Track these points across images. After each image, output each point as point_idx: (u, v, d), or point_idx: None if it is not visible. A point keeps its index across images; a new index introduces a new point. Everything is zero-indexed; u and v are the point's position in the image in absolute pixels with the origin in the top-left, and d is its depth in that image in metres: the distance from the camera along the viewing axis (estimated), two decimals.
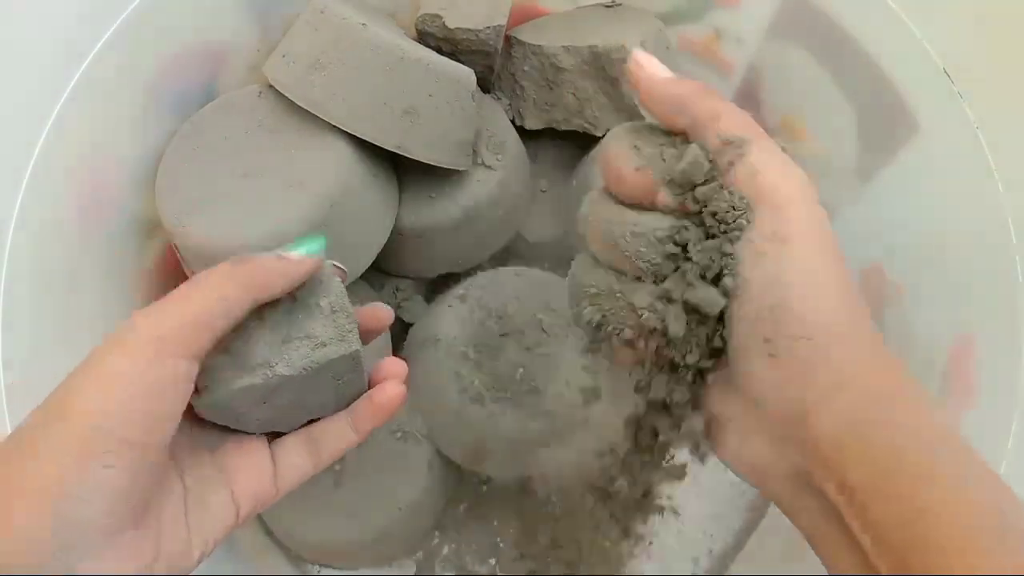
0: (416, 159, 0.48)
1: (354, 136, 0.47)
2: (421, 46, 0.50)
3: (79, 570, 0.23)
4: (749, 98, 0.60)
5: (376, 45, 0.46)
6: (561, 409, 0.51)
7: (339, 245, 0.47)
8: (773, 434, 0.26)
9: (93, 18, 0.44)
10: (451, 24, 0.52)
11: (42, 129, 0.42)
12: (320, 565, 0.55)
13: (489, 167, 0.53)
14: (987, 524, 0.21)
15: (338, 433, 0.32)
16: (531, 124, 0.57)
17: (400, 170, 0.53)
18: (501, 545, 0.55)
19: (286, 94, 0.48)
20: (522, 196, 0.57)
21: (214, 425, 0.30)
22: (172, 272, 0.54)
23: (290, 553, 0.55)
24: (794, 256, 0.24)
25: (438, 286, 0.58)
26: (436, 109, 0.48)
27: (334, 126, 0.47)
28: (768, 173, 0.25)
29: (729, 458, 0.28)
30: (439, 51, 0.53)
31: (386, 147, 0.47)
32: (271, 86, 0.49)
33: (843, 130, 0.52)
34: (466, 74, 0.49)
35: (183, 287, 0.27)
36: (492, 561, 0.55)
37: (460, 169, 0.51)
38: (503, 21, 0.52)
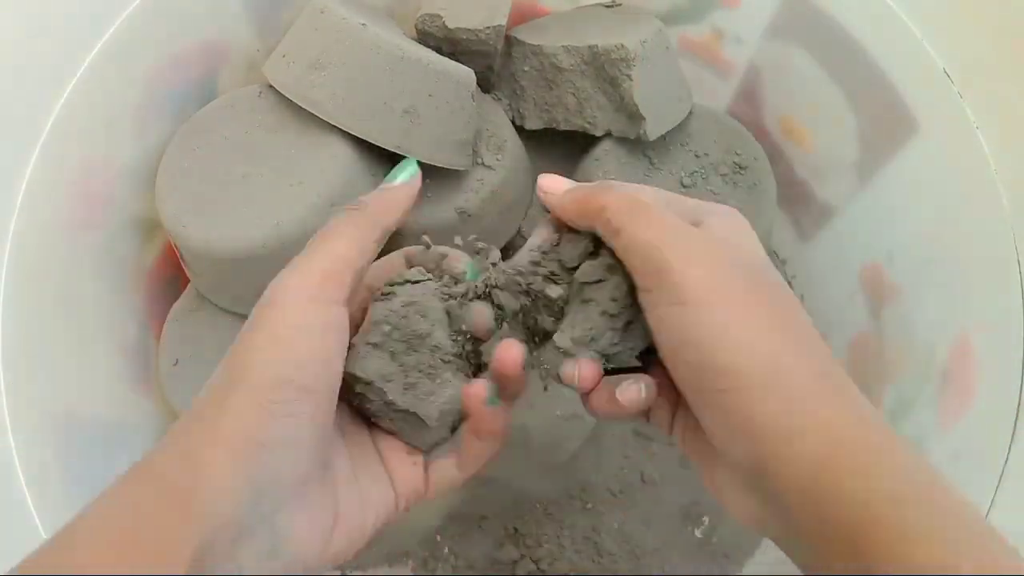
0: (416, 159, 0.48)
1: (354, 136, 0.47)
2: (421, 46, 0.50)
3: (277, 521, 0.24)
4: (749, 98, 0.60)
5: (376, 45, 0.46)
6: (558, 409, 0.51)
7: None
8: (759, 488, 0.25)
9: (93, 18, 0.44)
10: (451, 24, 0.52)
11: (42, 129, 0.42)
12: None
13: (489, 167, 0.53)
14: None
15: (479, 443, 0.32)
16: (531, 124, 0.57)
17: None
18: (499, 544, 0.55)
19: (286, 94, 0.48)
20: (522, 196, 0.57)
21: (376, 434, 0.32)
22: (172, 272, 0.54)
23: None
24: (695, 318, 0.25)
25: None
26: (436, 109, 0.48)
27: (334, 126, 0.47)
28: (657, 246, 0.26)
29: (725, 503, 0.28)
30: (439, 51, 0.53)
31: (386, 147, 0.47)
32: (271, 86, 0.49)
33: (843, 130, 0.52)
34: (466, 74, 0.49)
35: (316, 240, 0.28)
36: (492, 561, 0.55)
37: (460, 169, 0.51)
38: (503, 21, 0.53)
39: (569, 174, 0.59)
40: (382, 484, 0.30)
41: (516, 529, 0.55)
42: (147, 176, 0.49)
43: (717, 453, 0.27)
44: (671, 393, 0.30)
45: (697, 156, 0.56)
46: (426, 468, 0.32)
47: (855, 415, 0.24)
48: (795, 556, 0.25)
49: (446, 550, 0.55)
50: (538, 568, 0.54)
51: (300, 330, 0.26)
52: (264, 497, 0.24)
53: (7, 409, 0.39)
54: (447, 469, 0.32)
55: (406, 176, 0.33)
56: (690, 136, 0.56)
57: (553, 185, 0.32)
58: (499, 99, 0.58)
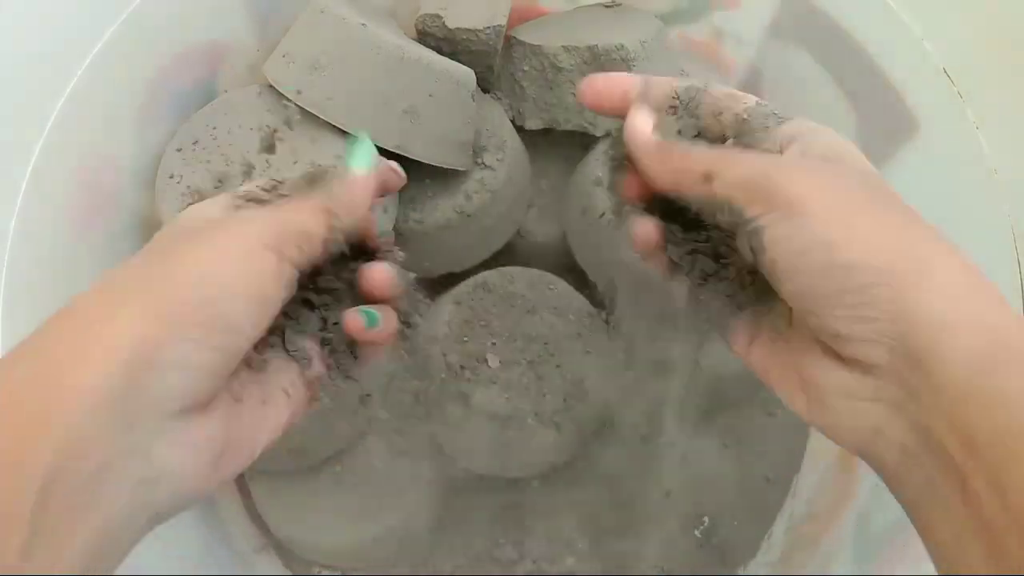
0: (416, 159, 0.48)
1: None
2: (421, 46, 0.50)
3: (153, 450, 0.21)
4: None
5: (376, 45, 0.46)
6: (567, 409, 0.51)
7: None
8: (887, 396, 0.23)
9: (93, 18, 0.44)
10: (451, 24, 0.52)
11: (42, 129, 0.42)
12: (320, 566, 0.55)
13: (489, 167, 0.53)
14: None
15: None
16: (531, 124, 0.57)
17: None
18: (500, 545, 0.55)
19: (286, 94, 0.48)
20: (522, 196, 0.57)
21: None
22: None
23: (290, 554, 0.55)
24: (819, 223, 0.23)
25: (438, 286, 0.58)
26: (436, 109, 0.48)
27: (334, 126, 0.47)
28: (762, 173, 0.25)
29: (832, 426, 0.25)
30: (439, 51, 0.53)
31: (386, 147, 0.47)
32: (271, 86, 0.49)
33: (843, 130, 0.52)
34: (466, 74, 0.49)
35: (287, 203, 0.27)
36: (491, 561, 0.55)
37: (460, 169, 0.51)
38: (503, 22, 0.53)
39: (568, 174, 0.60)
40: (277, 403, 0.27)
41: (515, 529, 0.55)
42: (148, 176, 0.49)
43: (859, 366, 0.24)
44: (749, 327, 0.28)
45: None
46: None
47: (1016, 314, 0.22)
48: (910, 481, 0.23)
49: (446, 550, 0.55)
50: (538, 568, 0.54)
51: (245, 269, 0.23)
52: (139, 423, 0.21)
53: None
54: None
55: (362, 164, 0.29)
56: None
57: (643, 132, 0.28)
58: (499, 99, 0.58)
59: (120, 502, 0.21)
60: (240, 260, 0.24)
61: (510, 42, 0.56)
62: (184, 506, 0.23)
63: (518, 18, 0.60)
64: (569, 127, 0.55)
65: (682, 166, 0.27)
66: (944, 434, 0.21)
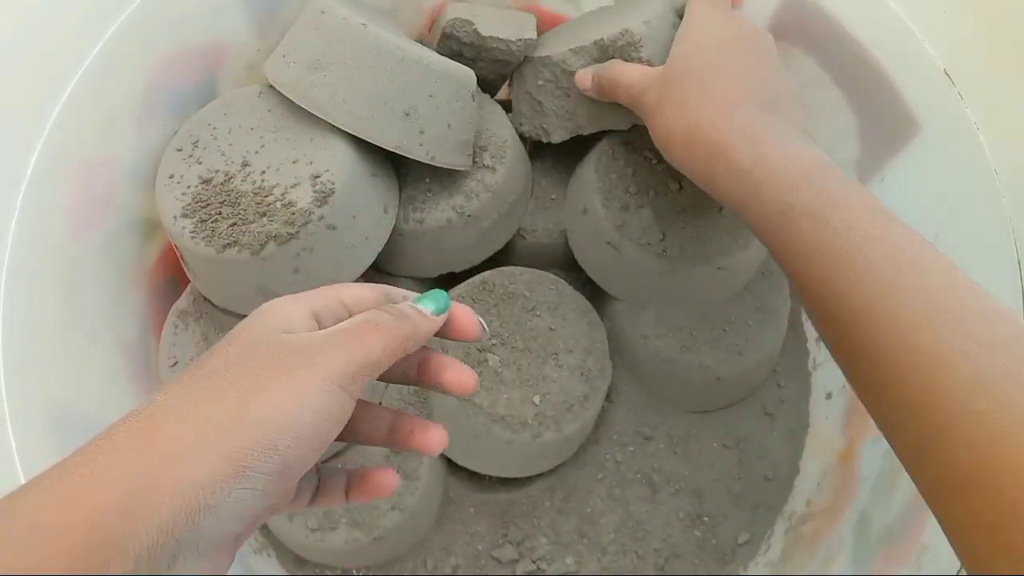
0: (416, 159, 0.48)
1: (354, 136, 0.47)
2: (421, 46, 0.50)
3: (174, 568, 0.22)
4: None
5: (376, 45, 0.46)
6: (558, 408, 0.51)
7: (339, 245, 0.47)
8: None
9: (93, 18, 0.44)
10: (485, 32, 0.53)
11: (42, 129, 0.42)
12: (319, 566, 0.55)
13: (489, 167, 0.53)
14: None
15: (334, 487, 0.32)
16: (557, 137, 0.55)
17: (400, 170, 0.53)
18: (500, 545, 0.55)
19: (286, 94, 0.48)
20: (522, 196, 0.57)
21: None
22: (172, 272, 0.54)
23: (289, 554, 0.55)
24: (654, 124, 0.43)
25: (438, 286, 0.58)
26: (436, 109, 0.48)
27: (334, 126, 0.47)
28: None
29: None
30: (460, 56, 0.54)
31: (386, 147, 0.47)
32: (271, 86, 0.49)
33: (843, 130, 0.52)
34: (466, 74, 0.49)
35: (363, 328, 0.27)
36: (491, 561, 0.55)
37: (460, 169, 0.51)
38: (533, 35, 0.54)
39: (569, 175, 0.60)
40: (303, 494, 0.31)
41: (515, 529, 0.55)
42: (147, 176, 0.49)
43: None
44: None
45: None
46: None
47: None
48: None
49: (444, 549, 0.55)
50: (538, 568, 0.54)
51: (315, 411, 0.24)
52: (181, 555, 0.22)
53: (8, 408, 0.39)
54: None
55: (440, 306, 0.31)
56: None
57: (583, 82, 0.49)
58: (522, 125, 0.57)
59: None
60: (315, 405, 0.24)
61: (520, 64, 0.55)
62: None
63: None
64: (594, 129, 0.54)
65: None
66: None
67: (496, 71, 0.55)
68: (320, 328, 0.27)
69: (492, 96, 0.58)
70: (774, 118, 0.38)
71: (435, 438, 0.31)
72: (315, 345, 0.26)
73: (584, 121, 0.53)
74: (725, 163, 0.37)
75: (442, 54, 0.55)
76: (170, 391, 0.24)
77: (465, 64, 0.55)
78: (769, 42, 0.43)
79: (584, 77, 0.49)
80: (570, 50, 0.51)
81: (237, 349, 0.26)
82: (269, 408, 0.23)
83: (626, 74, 0.45)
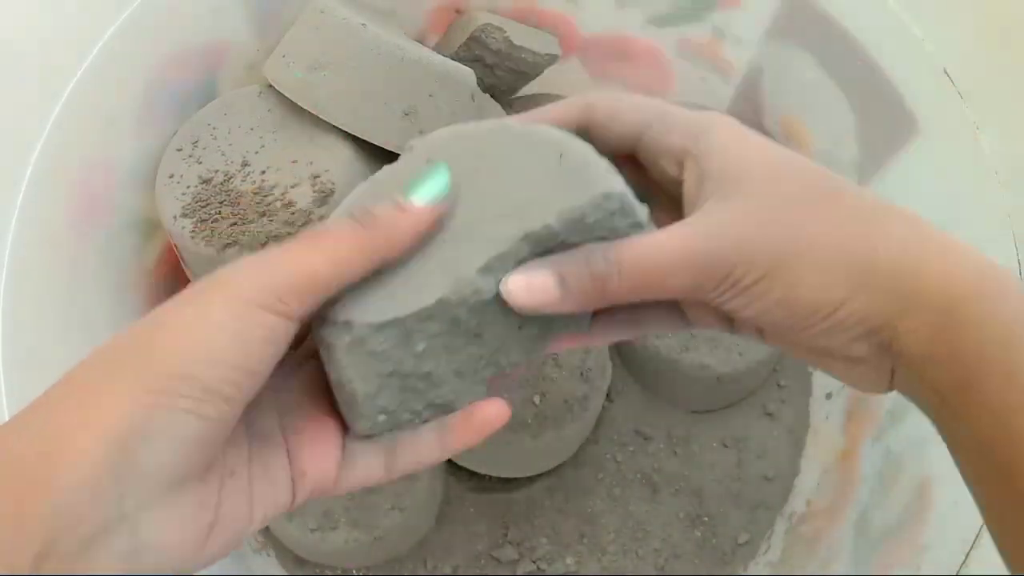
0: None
1: (354, 136, 0.47)
2: (421, 46, 0.50)
3: (140, 522, 0.22)
4: (750, 99, 0.60)
5: (376, 46, 0.46)
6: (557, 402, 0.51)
7: None
8: (849, 272, 0.25)
9: (93, 18, 0.44)
10: (517, 41, 0.54)
11: (42, 129, 0.42)
12: (319, 566, 0.55)
13: None
14: None
15: (422, 446, 0.28)
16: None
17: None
18: (500, 545, 0.55)
19: (286, 94, 0.48)
20: None
21: (293, 398, 0.28)
22: (172, 272, 0.54)
23: (289, 553, 0.55)
24: (768, 284, 0.25)
25: None
26: (436, 109, 0.48)
27: (334, 126, 0.47)
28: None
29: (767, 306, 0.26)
30: (482, 61, 0.55)
31: (386, 147, 0.47)
32: (271, 86, 0.49)
33: (843, 130, 0.52)
34: (466, 74, 0.49)
35: (300, 240, 0.25)
36: (491, 561, 0.55)
37: None
38: (558, 52, 0.56)
39: None
40: (280, 482, 0.26)
41: (515, 529, 0.55)
42: (147, 176, 0.49)
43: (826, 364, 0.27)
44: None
45: None
46: (344, 456, 0.28)
47: (966, 267, 0.25)
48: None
49: (444, 549, 0.55)
50: (538, 568, 0.54)
51: (226, 331, 0.23)
52: (129, 494, 0.21)
53: (7, 409, 0.39)
54: (374, 456, 0.28)
55: (434, 193, 0.26)
56: None
57: (535, 298, 0.27)
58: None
59: (109, 571, 0.21)
60: (226, 326, 0.23)
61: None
62: None
63: (518, 18, 0.60)
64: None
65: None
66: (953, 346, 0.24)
67: (510, 82, 0.56)
68: None
69: (502, 105, 0.59)
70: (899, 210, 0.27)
71: (491, 410, 0.28)
72: (225, 272, 0.24)
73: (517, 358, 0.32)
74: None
75: (459, 57, 0.55)
76: (89, 354, 0.24)
77: (482, 71, 0.55)
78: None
79: (536, 283, 0.26)
80: (477, 270, 0.26)
81: (151, 311, 0.25)
82: (175, 338, 0.22)
83: (652, 255, 0.25)
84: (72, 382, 0.23)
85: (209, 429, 0.23)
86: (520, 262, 0.26)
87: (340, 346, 0.26)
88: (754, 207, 0.25)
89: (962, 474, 0.25)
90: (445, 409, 0.28)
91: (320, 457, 0.27)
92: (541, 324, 0.28)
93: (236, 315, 0.23)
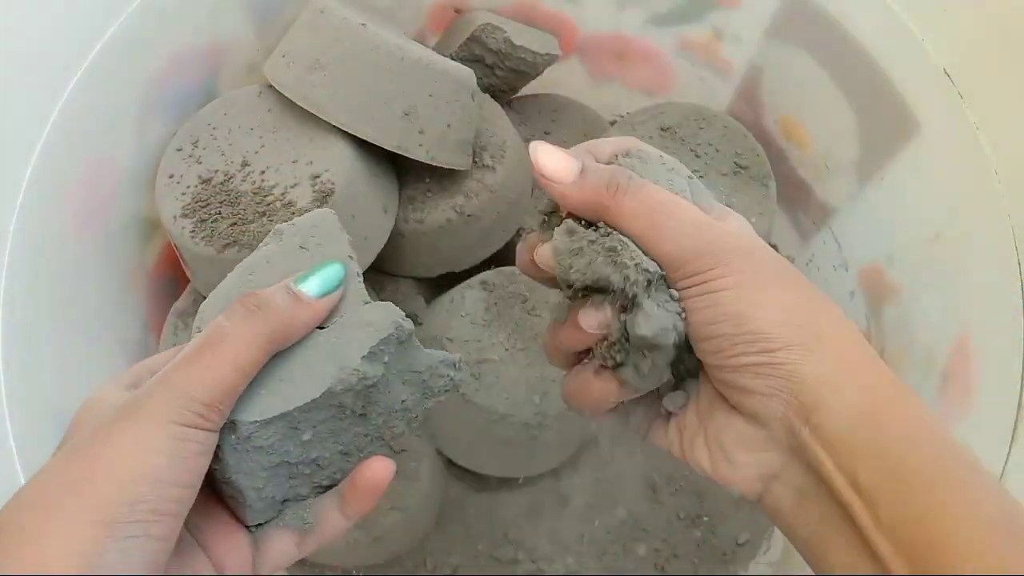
0: (416, 159, 0.48)
1: (354, 136, 0.47)
2: (421, 46, 0.50)
3: None
4: (749, 98, 0.60)
5: (376, 45, 0.46)
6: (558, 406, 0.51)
7: None
8: (782, 445, 0.27)
9: (93, 18, 0.44)
10: (517, 41, 0.54)
11: (42, 129, 0.42)
12: (319, 565, 0.55)
13: (489, 167, 0.53)
14: (995, 523, 0.22)
15: (327, 522, 0.29)
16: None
17: (400, 170, 0.53)
18: (500, 544, 0.55)
19: (286, 94, 0.48)
20: (522, 196, 0.57)
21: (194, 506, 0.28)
22: (172, 272, 0.54)
23: None
24: (738, 297, 0.26)
25: (438, 286, 0.58)
26: (436, 109, 0.48)
27: (334, 126, 0.47)
28: (691, 244, 0.27)
29: (734, 477, 0.29)
30: (482, 62, 0.55)
31: (386, 147, 0.47)
32: (271, 86, 0.49)
33: (843, 130, 0.52)
34: (466, 74, 0.49)
35: (202, 350, 0.25)
36: (491, 561, 0.55)
37: (460, 169, 0.51)
38: (557, 52, 0.56)
39: None
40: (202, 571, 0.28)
41: (515, 529, 0.55)
42: (147, 176, 0.49)
43: (755, 418, 0.27)
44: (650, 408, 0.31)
45: (698, 156, 0.56)
46: (257, 547, 0.29)
47: (892, 379, 0.26)
48: (807, 519, 0.27)
49: (443, 549, 0.55)
50: (538, 568, 0.54)
51: (167, 453, 0.23)
52: None
53: (7, 409, 0.39)
54: (284, 543, 0.29)
55: (328, 286, 0.27)
56: (691, 135, 0.56)
57: (557, 170, 0.28)
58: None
59: None
60: (162, 449, 0.23)
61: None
62: None
63: (518, 18, 0.60)
64: None
65: (599, 207, 0.28)
66: (833, 477, 0.25)
67: (510, 82, 0.57)
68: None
69: (502, 105, 0.59)
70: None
71: (376, 469, 0.29)
72: (144, 396, 0.25)
73: None
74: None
75: (459, 57, 0.55)
76: (20, 492, 0.24)
77: (482, 71, 0.56)
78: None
79: (563, 164, 0.28)
80: (363, 358, 0.27)
81: (68, 444, 0.25)
82: (118, 467, 0.23)
83: (667, 204, 0.27)
84: (12, 523, 0.23)
85: (159, 548, 0.23)
86: (400, 343, 0.27)
87: (226, 446, 0.26)
88: (747, 247, 0.28)
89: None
90: (332, 486, 0.29)
91: (234, 551, 0.28)
92: (422, 390, 0.29)
93: (170, 435, 0.24)
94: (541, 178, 0.28)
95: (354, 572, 0.55)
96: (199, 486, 0.25)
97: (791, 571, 0.52)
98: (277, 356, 0.27)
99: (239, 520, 0.28)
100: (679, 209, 0.27)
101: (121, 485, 0.23)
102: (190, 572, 0.27)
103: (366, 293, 0.29)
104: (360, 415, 0.28)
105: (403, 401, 0.29)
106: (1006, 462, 0.37)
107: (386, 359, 0.27)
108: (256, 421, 0.26)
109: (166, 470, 0.23)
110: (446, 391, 0.30)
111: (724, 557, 0.55)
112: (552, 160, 0.28)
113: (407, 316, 0.28)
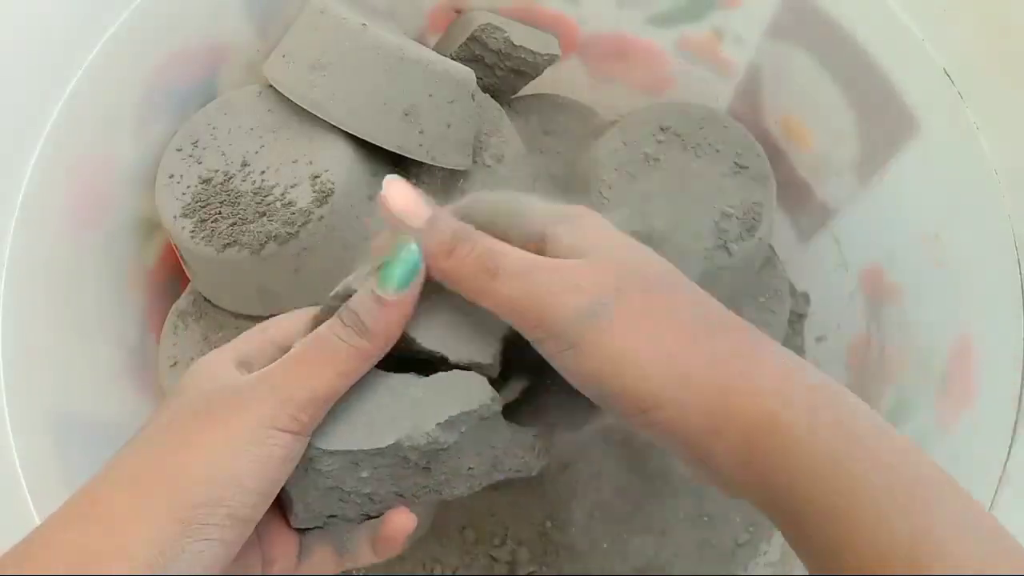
0: (416, 159, 0.48)
1: (354, 136, 0.47)
2: (421, 46, 0.50)
3: None
4: (749, 98, 0.60)
5: (376, 45, 0.46)
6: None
7: (339, 245, 0.47)
8: (665, 380, 0.25)
9: (93, 18, 0.44)
10: (517, 42, 0.54)
11: (42, 129, 0.42)
12: None
13: (489, 167, 0.53)
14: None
15: (360, 551, 0.30)
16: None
17: (400, 170, 0.53)
18: (500, 545, 0.55)
19: (286, 94, 0.48)
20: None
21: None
22: (172, 272, 0.54)
23: None
24: (589, 356, 0.24)
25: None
26: (436, 109, 0.48)
27: (334, 126, 0.47)
28: (527, 304, 0.25)
29: (704, 480, 0.28)
30: (479, 62, 0.55)
31: (386, 147, 0.47)
32: (271, 86, 0.49)
33: (843, 130, 0.52)
34: (466, 74, 0.49)
35: (301, 356, 0.25)
36: (491, 561, 0.55)
37: (460, 169, 0.51)
38: (557, 52, 0.56)
39: (571, 174, 0.59)
40: (254, 568, 0.28)
41: (515, 529, 0.55)
42: (147, 176, 0.49)
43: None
44: None
45: (698, 156, 0.56)
46: (300, 552, 0.30)
47: (771, 394, 0.24)
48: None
49: (443, 549, 0.55)
50: (538, 568, 0.54)
51: (253, 457, 0.24)
52: None
53: (7, 409, 0.39)
54: (325, 552, 0.30)
55: (406, 279, 0.26)
56: (691, 135, 0.56)
57: (407, 208, 0.27)
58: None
59: None
60: (250, 451, 0.24)
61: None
62: None
63: (518, 17, 0.60)
64: None
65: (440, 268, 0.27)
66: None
67: (510, 83, 0.57)
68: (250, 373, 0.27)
69: (502, 105, 0.59)
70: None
71: (397, 521, 0.29)
72: (246, 390, 0.25)
73: None
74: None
75: (459, 57, 0.55)
76: (108, 465, 0.25)
77: (482, 71, 0.56)
78: None
79: (412, 205, 0.28)
80: (438, 424, 0.27)
81: (168, 414, 0.26)
82: (205, 464, 0.24)
83: (527, 267, 0.27)
84: (102, 500, 0.24)
85: (228, 552, 0.24)
86: (483, 419, 0.27)
87: None
88: (571, 283, 0.25)
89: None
90: (379, 516, 0.29)
91: (285, 547, 0.29)
92: (492, 463, 0.29)
93: (258, 439, 0.24)
94: (386, 212, 0.27)
95: (354, 572, 0.55)
96: (275, 496, 0.25)
97: (791, 571, 0.52)
98: (363, 381, 0.27)
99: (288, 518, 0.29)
100: (509, 259, 0.26)
101: (206, 485, 0.23)
102: (244, 572, 0.27)
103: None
104: (424, 468, 0.28)
105: (470, 468, 0.29)
106: (1006, 462, 0.37)
107: (463, 429, 0.27)
108: (321, 448, 0.26)
109: (249, 476, 0.24)
110: (518, 472, 0.30)
111: (724, 557, 0.55)
112: (402, 199, 0.27)
113: (494, 392, 0.28)
